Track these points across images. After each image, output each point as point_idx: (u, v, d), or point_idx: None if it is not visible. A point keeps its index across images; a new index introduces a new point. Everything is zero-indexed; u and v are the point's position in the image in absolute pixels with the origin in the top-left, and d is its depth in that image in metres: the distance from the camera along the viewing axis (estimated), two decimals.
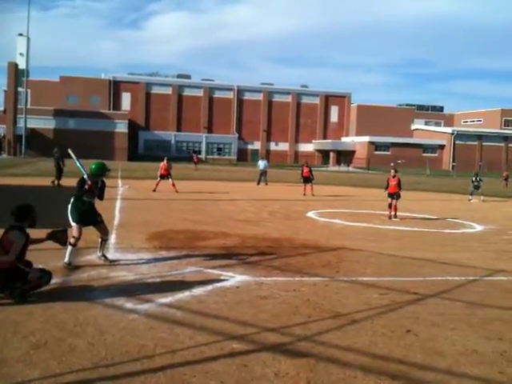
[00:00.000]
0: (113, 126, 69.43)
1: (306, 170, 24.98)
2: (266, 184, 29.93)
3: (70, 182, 20.80)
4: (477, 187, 25.21)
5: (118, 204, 16.43)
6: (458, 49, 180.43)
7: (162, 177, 22.84)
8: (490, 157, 75.38)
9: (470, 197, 25.19)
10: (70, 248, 7.40)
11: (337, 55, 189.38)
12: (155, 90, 78.06)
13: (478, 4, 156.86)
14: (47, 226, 6.92)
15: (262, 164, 31.27)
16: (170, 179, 22.60)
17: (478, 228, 14.57)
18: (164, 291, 6.44)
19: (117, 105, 76.16)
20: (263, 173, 30.64)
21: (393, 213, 15.71)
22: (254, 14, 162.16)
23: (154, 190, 21.64)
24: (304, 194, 23.84)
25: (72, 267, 7.41)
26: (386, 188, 16.19)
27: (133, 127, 72.96)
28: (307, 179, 24.65)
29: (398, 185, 15.94)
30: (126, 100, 76.99)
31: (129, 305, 5.85)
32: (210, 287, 6.75)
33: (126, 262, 8.05)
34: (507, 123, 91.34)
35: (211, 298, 6.26)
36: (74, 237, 7.46)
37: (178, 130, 77.93)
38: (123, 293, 6.32)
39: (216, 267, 7.91)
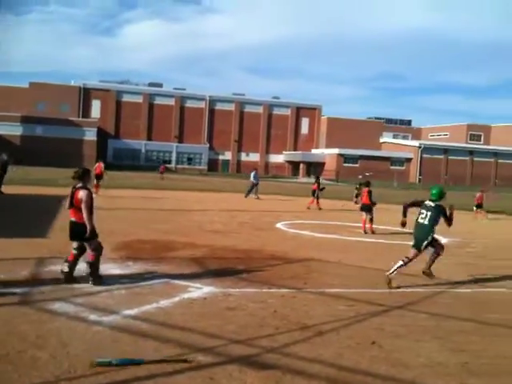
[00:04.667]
0: (81, 133, 68.41)
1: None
2: (257, 198, 27.78)
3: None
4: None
5: None
6: (427, 64, 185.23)
7: (97, 177, 23.95)
8: (455, 170, 77.08)
9: None
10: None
11: (309, 67, 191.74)
12: (126, 98, 77.35)
13: (448, 20, 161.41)
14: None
15: (252, 176, 29.39)
16: (99, 182, 24.05)
17: (443, 240, 14.83)
18: (130, 303, 6.35)
19: (86, 112, 75.13)
20: (254, 185, 28.78)
21: (367, 225, 15.40)
22: (229, 25, 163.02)
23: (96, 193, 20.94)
24: (308, 208, 23.14)
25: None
26: (356, 196, 16.03)
27: (102, 135, 72.05)
28: (314, 192, 23.84)
29: (369, 197, 15.73)
30: (95, 107, 76.03)
31: (93, 317, 5.74)
32: (176, 299, 6.69)
33: None
34: (473, 138, 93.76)
35: (178, 310, 6.20)
36: None
37: (149, 138, 77.33)
38: (88, 304, 6.21)
39: (183, 278, 7.85)
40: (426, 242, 8.45)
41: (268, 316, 6.17)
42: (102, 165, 25.02)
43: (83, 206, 7.03)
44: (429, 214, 8.49)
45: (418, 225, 8.59)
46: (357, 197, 22.68)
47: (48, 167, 51.17)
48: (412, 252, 8.53)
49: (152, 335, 5.24)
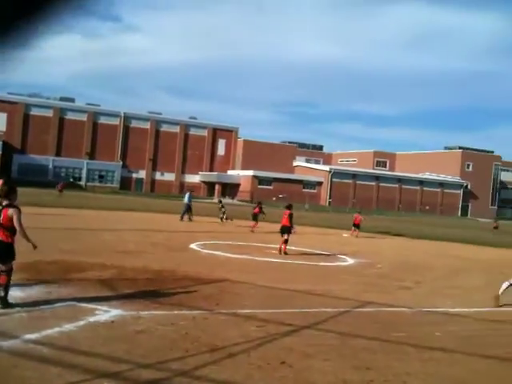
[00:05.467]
0: None
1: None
2: (190, 220, 26.83)
3: None
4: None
5: None
6: (338, 93, 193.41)
7: None
8: (363, 195, 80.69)
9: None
10: None
11: (226, 90, 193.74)
12: (35, 112, 73.84)
13: (357, 52, 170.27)
14: None
15: (186, 197, 28.13)
16: None
17: (351, 261, 15.44)
18: (31, 327, 5.98)
19: None
20: (188, 207, 27.46)
21: (284, 246, 15.58)
22: (147, 44, 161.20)
23: None
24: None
25: None
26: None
27: (7, 149, 68.15)
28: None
29: (290, 219, 15.99)
30: (1, 120, 71.90)
31: None
32: (81, 322, 6.38)
33: None
34: (379, 164, 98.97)
35: (83, 334, 5.92)
36: None
37: (58, 154, 74.12)
38: None
39: (90, 301, 7.52)
40: None
41: (178, 338, 6.05)
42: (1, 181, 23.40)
43: (16, 224, 6.84)
44: None
45: None
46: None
47: None
48: None
49: (55, 360, 4.96)
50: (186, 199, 28.00)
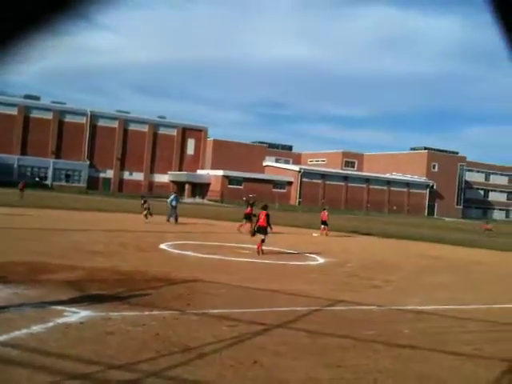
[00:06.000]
0: None
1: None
2: (176, 222, 25.73)
3: None
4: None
5: None
6: (308, 94, 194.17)
7: None
8: (332, 194, 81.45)
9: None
10: None
11: (195, 90, 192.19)
12: None
13: (326, 54, 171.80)
14: None
15: (170, 199, 27.12)
16: None
17: (321, 260, 15.57)
18: None
19: None
20: (173, 208, 26.37)
21: (260, 245, 15.67)
22: (115, 42, 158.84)
23: None
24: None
25: None
26: (257, 221, 16.39)
27: None
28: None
29: (267, 220, 16.03)
30: None
31: None
32: (50, 324, 6.26)
33: None
34: (347, 164, 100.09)
35: (52, 335, 5.80)
36: None
37: (23, 153, 72.45)
38: None
39: (58, 303, 7.37)
40: None
41: (149, 339, 6.00)
42: None
43: None
44: None
45: None
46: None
47: None
48: None
49: (23, 362, 4.85)
50: (170, 201, 26.71)
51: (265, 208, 16.63)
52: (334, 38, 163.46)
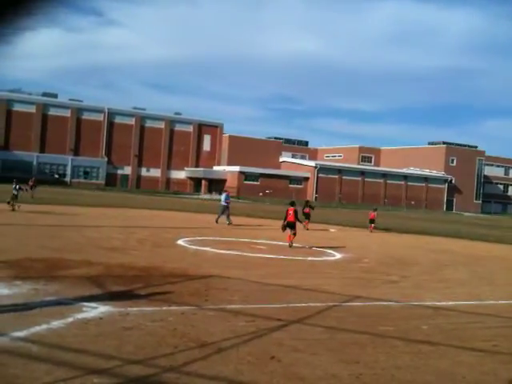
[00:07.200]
0: None
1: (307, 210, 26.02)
2: (229, 223, 23.44)
3: None
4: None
5: None
6: (323, 89, 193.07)
7: None
8: (348, 190, 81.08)
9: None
10: None
11: (210, 86, 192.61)
12: (17, 108, 72.88)
13: (342, 48, 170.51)
14: None
15: (222, 198, 24.98)
16: None
17: (338, 256, 15.52)
18: (19, 324, 5.92)
19: None
20: (225, 208, 24.09)
21: (291, 237, 16.55)
22: (130, 39, 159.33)
23: None
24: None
25: None
26: (285, 219, 16.77)
27: None
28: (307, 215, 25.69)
29: (295, 215, 16.69)
30: None
31: None
32: (70, 319, 6.34)
33: None
34: (364, 159, 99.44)
35: (71, 331, 5.87)
36: None
37: (42, 150, 73.30)
38: None
39: (77, 298, 7.46)
40: None
41: (167, 335, 6.04)
42: None
43: None
44: None
45: None
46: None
47: None
48: None
49: (43, 357, 4.92)
50: (222, 200, 24.69)
51: (292, 204, 17.40)
52: (348, 32, 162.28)
